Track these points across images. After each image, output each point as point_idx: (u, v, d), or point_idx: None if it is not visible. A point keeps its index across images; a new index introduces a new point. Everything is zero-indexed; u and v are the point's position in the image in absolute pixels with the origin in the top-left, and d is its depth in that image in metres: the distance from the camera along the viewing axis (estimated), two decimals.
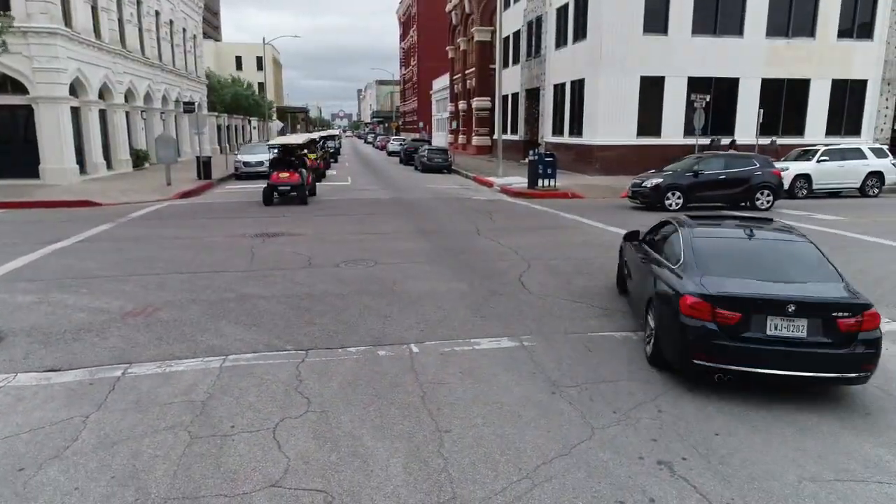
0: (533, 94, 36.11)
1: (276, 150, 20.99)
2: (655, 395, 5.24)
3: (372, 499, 3.78)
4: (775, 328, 4.99)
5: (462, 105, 53.95)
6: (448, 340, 6.56)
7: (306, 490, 3.87)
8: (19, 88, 22.37)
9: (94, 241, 12.53)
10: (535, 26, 34.98)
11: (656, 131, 27.14)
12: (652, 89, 26.81)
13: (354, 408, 5.01)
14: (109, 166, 27.40)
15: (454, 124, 53.85)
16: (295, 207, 17.62)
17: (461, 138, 54.66)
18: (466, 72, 52.28)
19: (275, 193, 18.22)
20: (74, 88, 24.03)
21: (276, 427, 4.69)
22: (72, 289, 8.71)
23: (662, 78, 26.81)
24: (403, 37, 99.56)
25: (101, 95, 26.53)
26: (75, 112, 24.16)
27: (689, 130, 25.43)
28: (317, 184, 22.22)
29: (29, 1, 21.52)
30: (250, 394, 5.29)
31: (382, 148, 63.43)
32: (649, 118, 26.98)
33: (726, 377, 5.10)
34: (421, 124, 68.54)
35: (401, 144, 45.97)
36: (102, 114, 26.90)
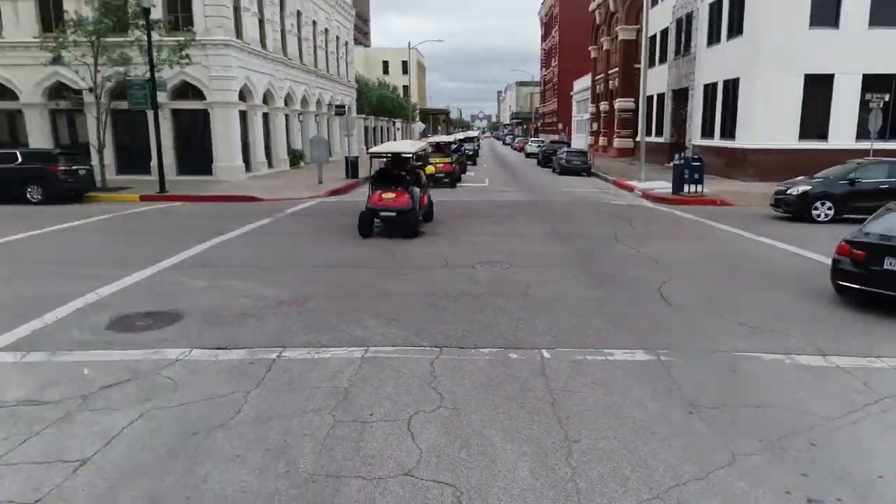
0: (680, 95, 34.37)
1: (382, 161, 16.06)
2: (809, 427, 4.85)
3: (499, 498, 3.88)
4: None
5: (603, 106, 52.58)
6: (580, 349, 6.50)
7: (437, 482, 4.06)
8: (198, 95, 25.14)
9: (256, 233, 13.82)
10: (684, 23, 33.25)
11: (822, 134, 24.74)
12: (818, 88, 24.48)
13: (485, 408, 5.15)
14: (270, 165, 29.95)
15: (594, 126, 52.65)
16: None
17: (601, 140, 53.30)
18: (609, 72, 50.87)
19: (375, 220, 13.30)
20: (243, 94, 26.53)
21: (411, 419, 4.95)
22: (237, 276, 9.69)
23: (831, 76, 24.39)
24: (545, 38, 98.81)
25: (264, 100, 29.06)
26: (243, 115, 26.67)
27: (862, 134, 22.91)
28: (452, 188, 22.56)
29: (207, 17, 24.13)
30: (388, 385, 5.60)
31: (521, 149, 63.51)
32: (814, 120, 24.66)
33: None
34: (560, 126, 67.72)
35: (539, 146, 45.77)
36: (265, 117, 29.46)
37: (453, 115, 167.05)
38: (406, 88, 76.83)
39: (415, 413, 5.05)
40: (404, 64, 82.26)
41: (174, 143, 25.45)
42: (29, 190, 18.61)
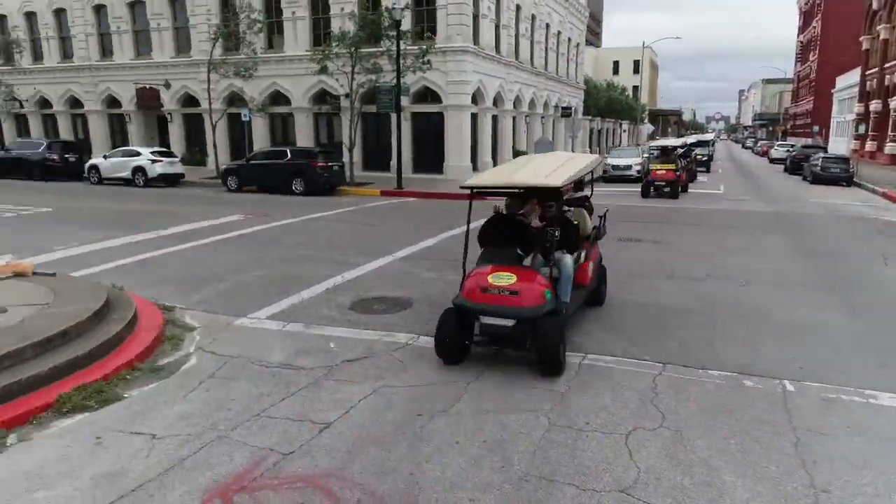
0: None
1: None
2: None
3: None
4: None
5: (874, 105, 45.07)
6: (834, 385, 5.66)
7: None
8: (435, 98, 26.94)
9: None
10: None
11: None
12: None
13: (713, 435, 4.74)
14: (495, 165, 30.99)
15: (860, 128, 45.44)
16: (656, 214, 17.27)
17: (869, 145, 45.81)
18: (885, 66, 43.42)
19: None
20: (475, 97, 27.80)
21: (629, 435, 4.75)
22: (459, 271, 10.17)
23: None
24: (803, 29, 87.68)
25: (494, 103, 30.13)
26: (473, 118, 27.97)
27: None
28: (674, 198, 21.13)
29: (449, 25, 25.70)
30: (605, 396, 5.45)
31: (764, 154, 57.40)
32: None
33: None
34: (815, 128, 59.72)
35: (787, 151, 40.88)
36: (494, 119, 30.55)
37: (686, 117, 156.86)
38: (636, 89, 73.99)
39: (633, 429, 4.84)
40: (636, 63, 79.27)
41: (412, 143, 27.62)
42: (294, 182, 21.63)
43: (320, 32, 27.76)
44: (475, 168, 28.20)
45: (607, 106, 58.88)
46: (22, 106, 35.35)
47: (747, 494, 3.97)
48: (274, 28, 29.10)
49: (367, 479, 4.18)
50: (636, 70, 78.68)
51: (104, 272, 9.79)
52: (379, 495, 3.99)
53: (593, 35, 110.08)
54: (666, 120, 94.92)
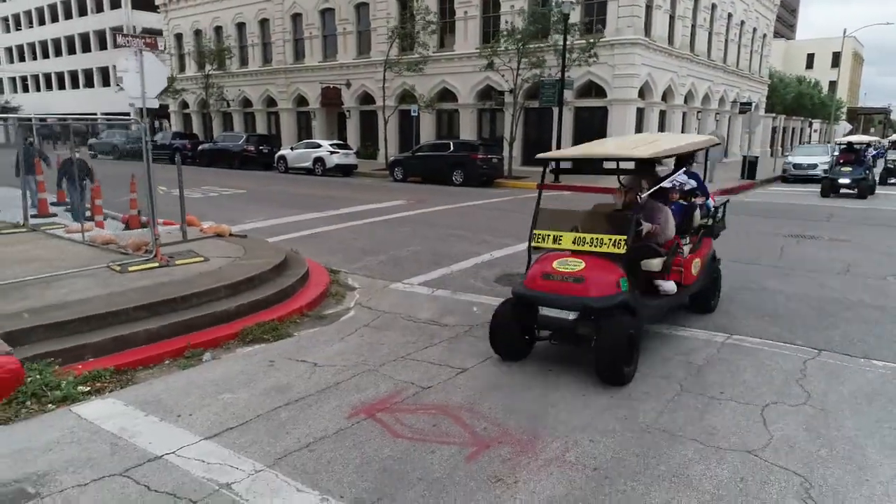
0: None
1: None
2: None
3: (857, 502, 3.37)
4: None
5: None
6: None
7: (782, 468, 3.73)
8: (600, 93, 26.50)
9: None
10: None
11: None
12: None
13: (863, 418, 4.42)
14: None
15: None
16: (844, 215, 15.60)
17: None
18: None
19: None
20: (642, 91, 26.88)
21: (766, 407, 4.58)
22: None
23: None
24: None
25: (663, 97, 28.90)
26: (639, 112, 27.07)
27: None
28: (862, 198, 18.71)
29: (620, 17, 25.14)
30: (747, 372, 5.26)
31: None
32: None
33: None
34: None
35: None
36: (662, 114, 29.30)
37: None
38: (833, 84, 66.47)
39: (772, 402, 4.66)
40: (834, 56, 71.18)
41: (572, 138, 27.42)
42: (454, 173, 22.56)
43: (489, 30, 28.55)
44: None
45: (795, 102, 53.60)
46: (229, 105, 40.48)
47: (893, 472, 3.70)
48: (446, 28, 30.46)
49: (495, 414, 4.50)
50: (835, 63, 70.67)
51: (284, 241, 11.11)
52: (504, 427, 4.30)
53: (787, 27, 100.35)
54: (869, 119, 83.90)
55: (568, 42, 22.26)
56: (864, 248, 10.98)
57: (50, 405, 4.62)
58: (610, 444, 4.03)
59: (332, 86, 34.55)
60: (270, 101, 39.06)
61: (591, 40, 22.93)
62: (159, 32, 44.65)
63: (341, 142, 30.37)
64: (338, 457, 3.91)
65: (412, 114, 28.25)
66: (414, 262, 9.68)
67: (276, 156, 29.08)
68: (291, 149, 28.98)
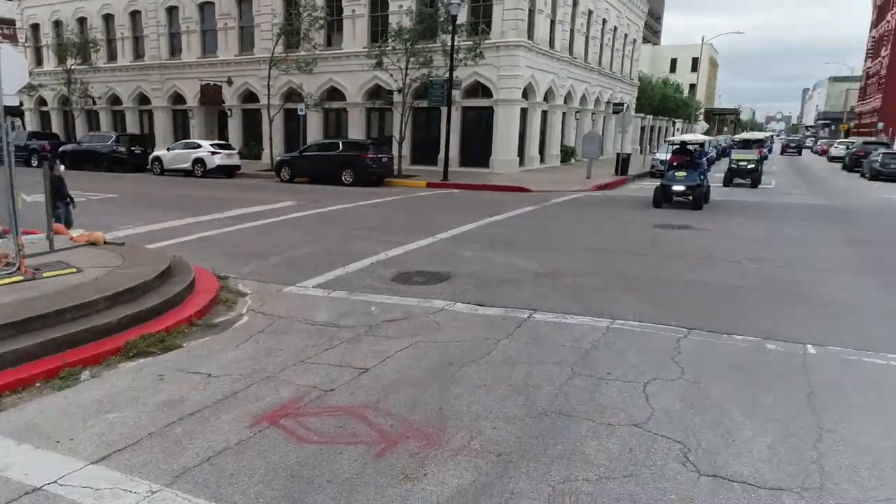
0: None
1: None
2: None
3: (728, 462, 3.78)
4: None
5: None
6: (856, 350, 5.74)
7: (665, 437, 4.10)
8: (486, 93, 27.25)
9: (521, 217, 14.69)
10: None
11: None
12: None
13: (728, 385, 4.94)
14: (542, 160, 31.08)
15: None
16: (707, 206, 17.12)
17: None
18: None
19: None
20: (526, 92, 27.95)
21: (648, 383, 4.99)
22: (500, 250, 10.53)
23: None
24: (876, 23, 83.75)
25: (545, 98, 30.20)
26: (523, 113, 28.13)
27: None
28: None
29: (505, 20, 25.97)
30: (629, 353, 5.69)
31: (823, 153, 55.33)
32: None
33: None
34: (880, 125, 57.19)
35: (847, 148, 39.41)
36: (544, 114, 30.63)
37: (745, 116, 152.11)
38: (693, 87, 72.36)
39: (653, 379, 5.08)
40: (694, 61, 77.54)
41: (460, 137, 28.01)
42: (344, 173, 22.33)
43: (378, 29, 28.46)
44: (521, 163, 28.36)
45: (661, 103, 57.89)
46: (94, 103, 37.47)
47: (753, 431, 4.18)
48: (334, 26, 30.00)
49: (400, 410, 4.57)
50: (694, 67, 76.94)
51: (166, 247, 10.54)
52: (410, 422, 4.38)
53: (652, 33, 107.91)
54: (722, 119, 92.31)
55: (455, 42, 22.71)
56: (725, 237, 12.12)
57: None
58: (512, 430, 4.23)
59: (212, 83, 32.99)
60: (143, 99, 36.64)
61: (478, 41, 23.55)
62: (12, 22, 40.54)
63: (223, 142, 29.07)
64: (241, 468, 3.81)
65: (299, 113, 27.61)
66: (308, 264, 9.52)
67: (151, 157, 27.33)
68: (168, 149, 27.36)
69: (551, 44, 29.89)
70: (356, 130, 30.15)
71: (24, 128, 40.20)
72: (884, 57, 72.65)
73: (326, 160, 22.80)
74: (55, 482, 3.67)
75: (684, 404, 4.61)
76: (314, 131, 30.69)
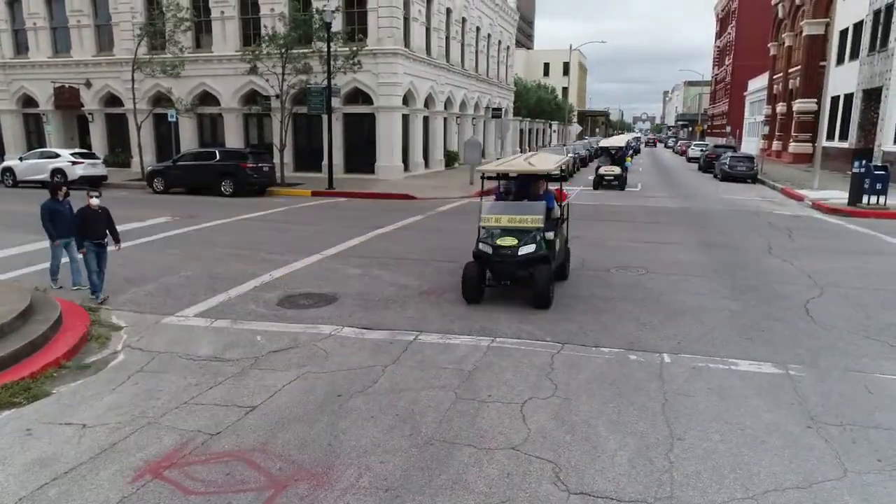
0: (872, 95, 30.80)
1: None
2: None
3: (594, 479, 4.21)
4: None
5: (780, 108, 48.38)
6: (704, 357, 6.50)
7: (539, 458, 4.48)
8: (366, 100, 27.28)
9: (407, 229, 14.94)
10: (882, 15, 29.74)
11: None
12: None
13: (595, 401, 5.44)
14: (427, 165, 31.58)
15: (766, 129, 48.58)
16: (579, 212, 18.28)
17: (776, 145, 49.13)
18: (790, 70, 46.70)
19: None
20: (406, 99, 28.27)
21: (525, 403, 5.39)
22: (386, 267, 10.70)
23: None
24: (719, 34, 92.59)
25: (425, 104, 30.69)
26: (405, 119, 28.44)
27: None
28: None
29: (381, 28, 26.10)
30: (508, 372, 6.09)
31: (683, 153, 60.43)
32: None
33: None
34: (728, 128, 63.39)
35: (702, 150, 43.34)
36: (425, 120, 31.13)
37: (614, 118, 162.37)
38: (566, 90, 76.26)
39: (529, 399, 5.48)
40: (565, 65, 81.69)
41: (343, 144, 27.84)
42: (223, 183, 21.51)
43: (250, 33, 27.59)
44: (406, 168, 28.68)
45: (537, 106, 60.60)
46: None
47: (616, 445, 4.67)
48: (202, 27, 28.69)
49: (289, 451, 4.63)
50: (565, 72, 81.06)
51: (26, 275, 9.75)
52: (299, 463, 4.46)
53: (525, 37, 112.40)
54: (595, 120, 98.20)
55: (332, 50, 22.53)
56: (590, 244, 13.05)
57: None
58: (398, 463, 4.43)
59: (67, 85, 30.43)
60: None
61: (354, 49, 23.52)
62: None
63: (85, 150, 26.97)
64: None
65: (169, 119, 26.17)
66: (188, 290, 9.19)
67: (1, 167, 24.81)
68: (21, 159, 24.94)
69: (428, 51, 30.44)
70: (233, 137, 29.08)
71: None
72: (728, 65, 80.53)
73: (203, 170, 21.84)
74: None
75: (557, 422, 5.04)
76: (188, 138, 29.23)
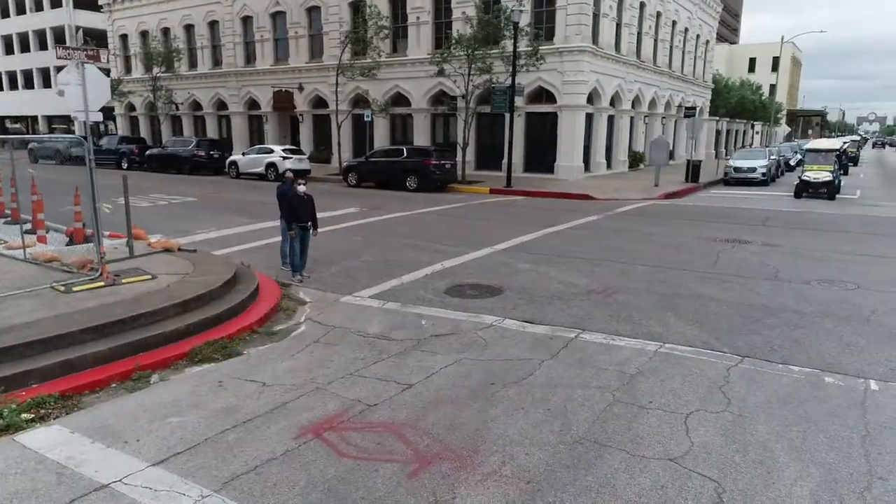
0: None
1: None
2: None
3: None
4: None
5: None
6: None
7: (700, 475, 4.05)
8: (550, 99, 27.06)
9: (581, 228, 14.54)
10: None
11: None
12: None
13: (776, 422, 4.80)
14: (609, 166, 30.52)
15: None
16: (780, 219, 16.42)
17: None
18: None
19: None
20: (591, 97, 27.54)
21: (690, 415, 4.92)
22: (555, 264, 10.49)
23: None
24: None
25: (611, 102, 29.66)
26: (588, 118, 27.73)
27: None
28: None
29: (569, 25, 25.73)
30: (675, 380, 5.61)
31: None
32: None
33: None
34: None
35: None
36: (610, 119, 30.08)
37: (833, 118, 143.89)
38: (773, 87, 69.07)
39: (696, 410, 5.00)
40: (775, 60, 73.94)
41: (524, 143, 27.91)
42: (408, 179, 22.72)
43: (441, 36, 28.78)
44: (587, 169, 27.98)
45: (738, 105, 55.59)
46: (178, 108, 39.61)
47: (796, 475, 4.06)
48: (399, 33, 30.56)
49: (438, 430, 4.71)
50: (774, 67, 73.39)
51: (236, 252, 11.10)
52: (446, 443, 4.51)
53: (730, 31, 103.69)
54: (807, 121, 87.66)
55: (517, 49, 22.68)
56: (789, 253, 11.61)
57: None
58: (543, 457, 4.29)
59: (284, 89, 34.23)
60: (221, 105, 38.42)
61: (536, 46, 23.48)
62: (103, 33, 43.42)
63: (294, 147, 30.15)
64: (284, 479, 4.05)
65: (365, 119, 28.26)
66: (366, 273, 9.81)
67: (228, 161, 28.68)
68: (243, 154, 28.63)
69: (617, 47, 29.33)
70: (421, 135, 30.56)
71: (116, 131, 43.01)
72: None
73: (391, 166, 23.27)
74: (120, 481, 4.02)
75: (726, 439, 4.52)
76: (381, 136, 31.32)
